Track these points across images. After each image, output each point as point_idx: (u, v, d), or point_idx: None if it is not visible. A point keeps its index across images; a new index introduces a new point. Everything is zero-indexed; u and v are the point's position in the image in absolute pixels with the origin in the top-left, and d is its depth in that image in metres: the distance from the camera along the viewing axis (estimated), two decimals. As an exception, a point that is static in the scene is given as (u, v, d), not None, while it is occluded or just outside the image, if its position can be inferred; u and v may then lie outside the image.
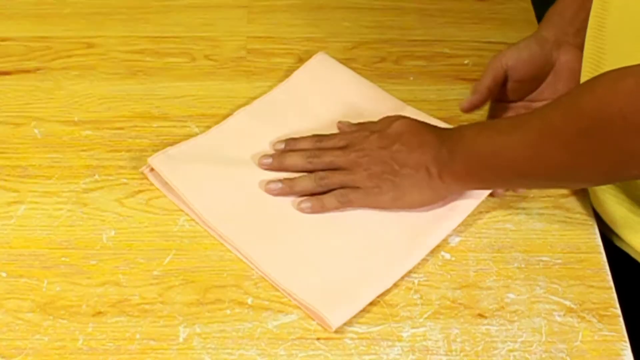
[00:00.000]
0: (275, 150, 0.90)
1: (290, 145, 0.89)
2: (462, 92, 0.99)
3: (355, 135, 0.87)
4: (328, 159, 0.86)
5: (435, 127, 0.85)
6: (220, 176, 0.89)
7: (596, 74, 0.77)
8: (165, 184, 0.88)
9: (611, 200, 0.84)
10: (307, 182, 0.86)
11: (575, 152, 0.73)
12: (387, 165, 0.83)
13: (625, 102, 0.67)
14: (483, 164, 0.80)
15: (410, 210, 0.85)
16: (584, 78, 0.85)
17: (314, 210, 0.85)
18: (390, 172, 0.83)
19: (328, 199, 0.85)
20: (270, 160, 0.88)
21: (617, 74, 0.69)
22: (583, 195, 0.88)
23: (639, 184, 0.82)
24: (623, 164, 0.72)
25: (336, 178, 0.85)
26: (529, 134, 0.77)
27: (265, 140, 0.92)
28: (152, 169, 0.89)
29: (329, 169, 0.86)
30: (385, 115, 0.93)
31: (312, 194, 0.86)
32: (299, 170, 0.87)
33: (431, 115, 0.95)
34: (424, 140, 0.83)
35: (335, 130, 0.92)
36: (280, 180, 0.87)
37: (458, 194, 0.86)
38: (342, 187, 0.85)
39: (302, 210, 0.85)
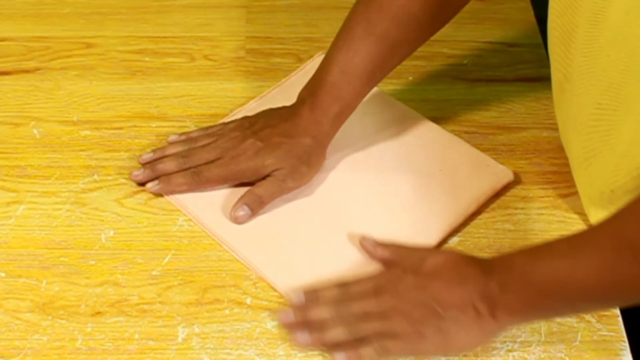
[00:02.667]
0: (296, 306, 0.78)
1: (313, 297, 0.78)
2: (461, 92, 0.99)
3: (387, 277, 0.76)
4: (359, 309, 0.75)
5: (473, 257, 0.75)
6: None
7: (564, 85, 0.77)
8: (164, 184, 0.88)
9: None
10: (340, 334, 0.74)
11: None
12: (428, 308, 0.72)
13: None
14: (546, 294, 0.70)
15: (458, 353, 0.76)
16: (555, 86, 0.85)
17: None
18: (433, 315, 0.72)
19: (365, 350, 0.73)
20: (292, 316, 0.77)
21: None
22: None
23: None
24: None
25: (371, 327, 0.74)
26: (602, 255, 0.68)
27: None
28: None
29: (363, 319, 0.75)
30: (388, 119, 0.94)
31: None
32: (328, 324, 0.75)
33: (431, 115, 0.95)
34: (466, 274, 0.73)
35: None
36: (309, 332, 0.75)
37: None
38: (379, 335, 0.74)
39: None
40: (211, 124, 0.94)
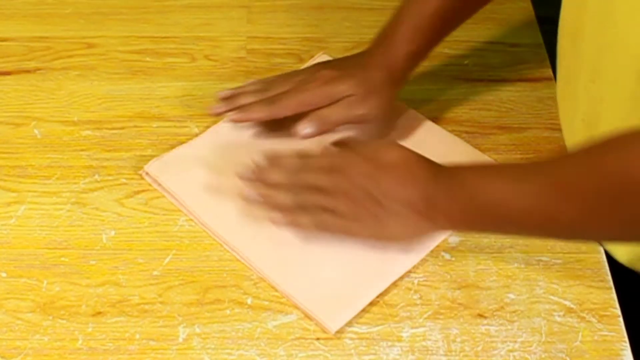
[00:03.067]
0: (258, 164, 0.85)
1: (273, 161, 0.84)
2: (462, 92, 0.99)
3: (344, 159, 0.81)
4: (311, 180, 0.80)
5: (430, 161, 0.79)
6: (217, 179, 0.89)
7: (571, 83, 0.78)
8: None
9: None
10: (286, 199, 0.81)
11: (589, 211, 0.70)
12: (372, 196, 0.77)
13: None
14: (483, 212, 0.75)
15: (388, 245, 0.81)
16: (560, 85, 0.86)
17: (287, 226, 0.82)
18: (375, 204, 0.77)
19: (303, 218, 0.81)
20: (250, 174, 0.84)
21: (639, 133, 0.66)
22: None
23: None
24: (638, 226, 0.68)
25: (316, 199, 0.80)
26: (540, 188, 0.72)
27: (261, 142, 0.92)
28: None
29: (311, 190, 0.81)
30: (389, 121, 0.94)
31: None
32: (279, 187, 0.83)
33: (431, 115, 0.95)
34: (416, 175, 0.77)
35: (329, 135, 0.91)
36: (261, 192, 0.83)
37: None
38: (320, 209, 0.80)
39: (273, 222, 0.82)
40: (212, 124, 0.94)
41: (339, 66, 0.90)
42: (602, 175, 0.68)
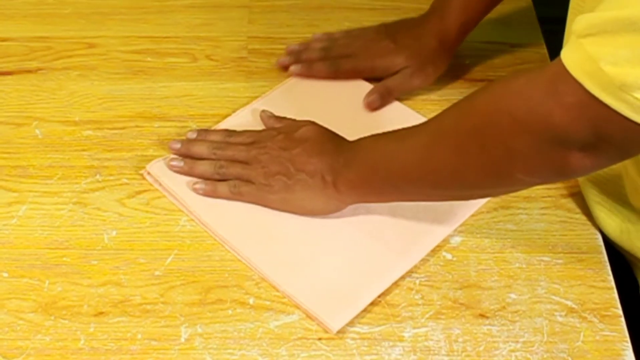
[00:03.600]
0: (187, 137, 0.91)
1: (201, 136, 0.90)
2: (462, 92, 0.99)
3: (263, 134, 0.89)
4: (231, 152, 0.87)
5: (337, 136, 0.86)
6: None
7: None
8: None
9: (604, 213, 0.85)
10: (207, 167, 0.87)
11: (463, 153, 0.74)
12: (283, 166, 0.84)
13: (514, 99, 0.68)
14: (375, 171, 0.81)
15: (304, 215, 0.85)
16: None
17: (205, 193, 0.86)
18: (285, 173, 0.84)
19: (221, 186, 0.86)
20: (178, 145, 0.90)
21: (513, 74, 0.71)
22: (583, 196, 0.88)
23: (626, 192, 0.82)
24: (508, 166, 0.71)
25: (234, 169, 0.86)
26: (422, 137, 0.78)
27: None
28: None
29: (230, 161, 0.87)
30: (389, 119, 0.95)
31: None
32: (203, 159, 0.88)
33: (431, 115, 0.95)
34: (325, 148, 0.84)
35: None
36: (183, 160, 0.89)
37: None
38: (238, 179, 0.86)
39: (195, 191, 0.87)
40: (213, 124, 0.94)
41: (395, 36, 0.97)
42: (471, 113, 0.73)
